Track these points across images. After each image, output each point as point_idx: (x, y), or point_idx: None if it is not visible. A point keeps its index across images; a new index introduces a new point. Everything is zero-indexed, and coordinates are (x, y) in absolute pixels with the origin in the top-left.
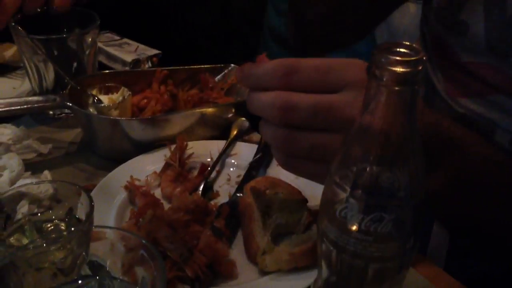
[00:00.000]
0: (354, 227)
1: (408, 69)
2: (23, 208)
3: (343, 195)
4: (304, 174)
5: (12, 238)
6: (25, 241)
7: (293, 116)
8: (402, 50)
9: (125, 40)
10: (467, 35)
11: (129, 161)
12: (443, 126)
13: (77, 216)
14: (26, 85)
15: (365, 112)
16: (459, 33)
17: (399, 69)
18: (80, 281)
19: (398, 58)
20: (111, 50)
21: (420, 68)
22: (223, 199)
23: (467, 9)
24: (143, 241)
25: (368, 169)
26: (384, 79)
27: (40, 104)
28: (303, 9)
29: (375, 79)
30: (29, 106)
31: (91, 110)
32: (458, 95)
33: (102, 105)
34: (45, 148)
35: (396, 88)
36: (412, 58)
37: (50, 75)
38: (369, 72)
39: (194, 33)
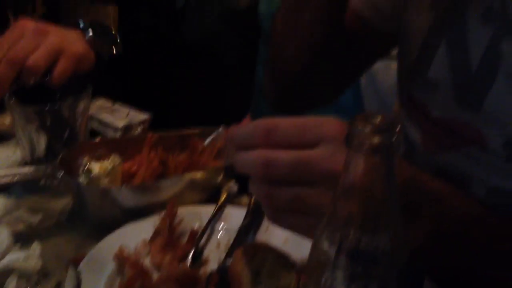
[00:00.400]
0: None
1: (383, 139)
2: (11, 284)
3: (327, 262)
4: (288, 227)
5: None
6: None
7: (274, 171)
8: (378, 120)
9: (117, 106)
10: (436, 92)
11: (119, 230)
12: (420, 181)
13: None
14: (17, 155)
15: (345, 179)
16: (429, 90)
17: (375, 139)
18: None
19: (374, 128)
20: (102, 116)
21: (395, 138)
22: (213, 265)
23: (435, 66)
24: None
25: (351, 234)
26: (361, 149)
27: (31, 175)
28: (278, 67)
29: (353, 148)
30: (20, 177)
31: (82, 178)
32: (434, 148)
33: (93, 173)
34: (35, 218)
35: (373, 157)
36: (387, 128)
37: (41, 144)
38: (347, 141)
39: (185, 93)
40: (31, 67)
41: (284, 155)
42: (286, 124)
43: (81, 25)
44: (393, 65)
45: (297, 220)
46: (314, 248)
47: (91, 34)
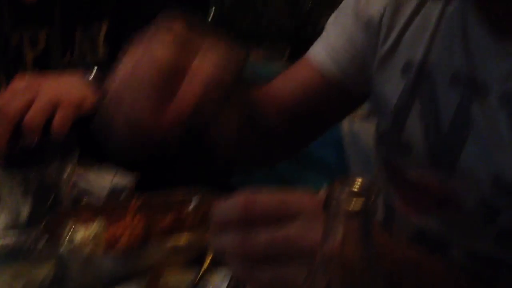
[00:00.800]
0: None
1: (360, 203)
2: None
3: None
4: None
5: None
6: None
7: (251, 251)
8: (354, 185)
9: (102, 167)
10: (411, 154)
11: None
12: (397, 253)
13: None
14: (2, 218)
15: (324, 243)
16: (404, 154)
17: (352, 203)
18: None
19: (351, 192)
20: (88, 179)
21: (372, 201)
22: None
23: (408, 130)
24: None
25: None
26: (339, 213)
27: (15, 240)
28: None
29: (331, 212)
30: (5, 244)
31: (64, 246)
32: (412, 211)
33: (76, 241)
34: (17, 285)
35: (350, 221)
36: (364, 192)
37: (26, 209)
38: (325, 205)
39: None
40: (28, 124)
41: (260, 236)
42: (264, 200)
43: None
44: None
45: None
46: None
47: (93, 73)
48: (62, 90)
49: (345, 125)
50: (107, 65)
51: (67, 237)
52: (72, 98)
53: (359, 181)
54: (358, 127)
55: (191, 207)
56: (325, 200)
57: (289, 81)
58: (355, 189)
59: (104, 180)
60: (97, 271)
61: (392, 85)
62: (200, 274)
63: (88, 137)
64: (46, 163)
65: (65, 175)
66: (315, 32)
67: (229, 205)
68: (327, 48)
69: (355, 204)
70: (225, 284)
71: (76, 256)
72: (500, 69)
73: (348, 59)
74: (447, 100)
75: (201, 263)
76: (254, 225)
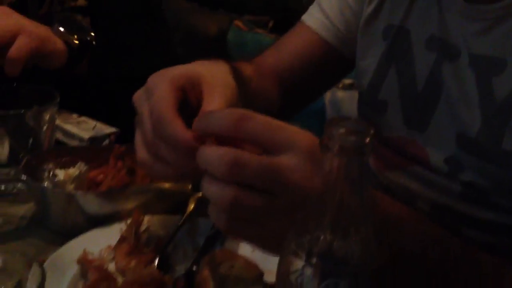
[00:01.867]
0: None
1: (356, 141)
2: None
3: (298, 263)
4: (244, 238)
5: None
6: None
7: (240, 173)
8: (351, 124)
9: (83, 118)
10: (386, 112)
11: (83, 235)
12: (380, 206)
13: None
14: None
15: (318, 180)
16: (380, 111)
17: (348, 140)
18: None
19: (347, 130)
20: (68, 127)
21: (368, 140)
22: (179, 273)
23: (385, 89)
24: None
25: (322, 237)
26: (335, 150)
27: None
28: None
29: (327, 150)
30: None
31: (46, 183)
32: (381, 167)
33: (57, 179)
34: None
35: (346, 158)
36: (360, 131)
37: (4, 150)
38: (321, 143)
39: None
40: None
41: (253, 158)
42: (260, 119)
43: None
44: (357, 95)
45: (255, 231)
46: (284, 250)
47: (59, 27)
48: (27, 24)
49: (327, 94)
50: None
51: (48, 176)
52: (36, 31)
53: (355, 119)
54: (341, 96)
55: None
56: (322, 138)
57: (285, 48)
58: (352, 126)
59: (85, 128)
60: (79, 210)
61: (373, 48)
62: (183, 219)
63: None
64: (25, 107)
65: (45, 119)
66: (299, 5)
67: (223, 114)
68: (322, 13)
69: (352, 139)
70: (209, 228)
71: (58, 193)
72: (470, 31)
73: (342, 22)
74: (422, 62)
75: (185, 209)
76: (242, 145)
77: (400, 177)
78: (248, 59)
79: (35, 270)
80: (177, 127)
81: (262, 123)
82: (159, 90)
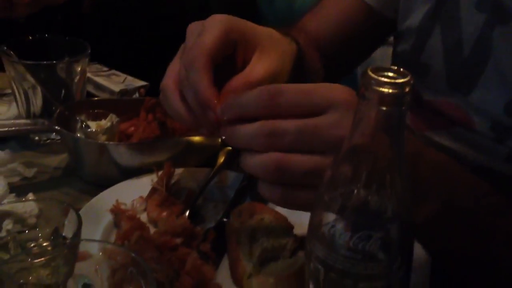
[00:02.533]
0: (343, 246)
1: (395, 90)
2: (7, 226)
3: (331, 215)
4: (300, 206)
5: None
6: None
7: (279, 141)
8: (390, 73)
9: (113, 71)
10: (429, 75)
11: (115, 186)
12: (429, 154)
13: (63, 235)
14: (12, 111)
15: (354, 133)
16: (421, 74)
17: (386, 90)
18: None
19: (386, 79)
20: (99, 80)
21: (407, 90)
22: (209, 224)
23: (427, 51)
24: (134, 256)
25: (356, 190)
26: (372, 100)
27: (28, 127)
28: None
29: (364, 100)
30: (17, 128)
31: (79, 134)
32: (423, 128)
33: (90, 130)
34: (29, 172)
35: (384, 109)
36: (400, 80)
37: (38, 101)
38: (358, 93)
39: None
40: None
41: (289, 123)
42: (291, 89)
43: None
44: (390, 51)
45: (309, 196)
46: (317, 201)
47: None
48: None
49: None
50: None
51: (81, 127)
52: None
53: (393, 69)
54: (373, 54)
55: None
56: (360, 87)
57: (325, 15)
58: (392, 75)
59: (116, 81)
60: (111, 160)
61: (417, 7)
62: (213, 172)
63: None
64: (57, 58)
65: (76, 71)
66: None
67: (252, 95)
68: None
69: (390, 90)
70: (239, 182)
71: (91, 144)
72: None
73: None
74: (470, 23)
75: (214, 163)
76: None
77: (441, 137)
78: (290, 25)
79: (71, 217)
80: (202, 78)
81: (294, 92)
82: (209, 33)
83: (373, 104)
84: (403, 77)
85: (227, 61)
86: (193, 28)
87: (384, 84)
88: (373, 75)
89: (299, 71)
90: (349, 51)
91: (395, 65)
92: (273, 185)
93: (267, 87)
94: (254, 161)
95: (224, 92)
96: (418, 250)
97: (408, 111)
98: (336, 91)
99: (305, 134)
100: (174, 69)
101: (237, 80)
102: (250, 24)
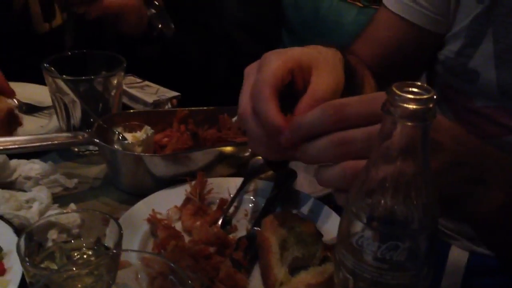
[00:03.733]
0: (370, 256)
1: (419, 106)
2: (53, 236)
3: (359, 225)
4: None
5: (42, 265)
6: (54, 267)
7: (350, 149)
8: (414, 89)
9: (146, 82)
10: (478, 82)
11: (151, 196)
12: (490, 148)
13: (105, 244)
14: (52, 124)
15: (380, 146)
16: (469, 80)
17: (411, 106)
18: None
19: (410, 96)
20: (133, 91)
21: (431, 105)
22: (241, 233)
23: (477, 58)
24: (172, 266)
25: (383, 201)
26: (397, 115)
27: (69, 140)
28: None
29: (389, 115)
30: (59, 142)
31: (116, 147)
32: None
33: (127, 142)
34: (71, 183)
35: (409, 124)
36: (424, 96)
37: (77, 114)
38: (383, 108)
39: (211, 75)
40: None
41: (357, 132)
42: (353, 100)
43: None
44: None
45: None
46: (345, 212)
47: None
48: None
49: None
50: None
51: (118, 140)
52: None
53: (418, 84)
54: None
55: (234, 119)
56: (383, 103)
57: (374, 40)
58: (414, 92)
59: (149, 93)
60: (147, 171)
61: (464, 13)
62: (243, 181)
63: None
64: (94, 73)
65: (113, 84)
66: None
67: (318, 112)
68: None
69: (414, 106)
70: (269, 191)
71: (128, 156)
72: None
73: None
74: None
75: (244, 173)
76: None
77: (493, 146)
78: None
79: (112, 227)
80: (270, 107)
81: (357, 102)
82: (268, 67)
83: (398, 120)
84: (427, 93)
85: (289, 91)
86: (249, 69)
87: (408, 100)
88: (397, 91)
89: (350, 80)
90: (399, 73)
91: (434, 72)
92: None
93: (329, 102)
94: (332, 172)
95: (296, 111)
96: (453, 254)
97: (431, 125)
98: None
99: (374, 139)
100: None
101: (305, 101)
102: (300, 50)
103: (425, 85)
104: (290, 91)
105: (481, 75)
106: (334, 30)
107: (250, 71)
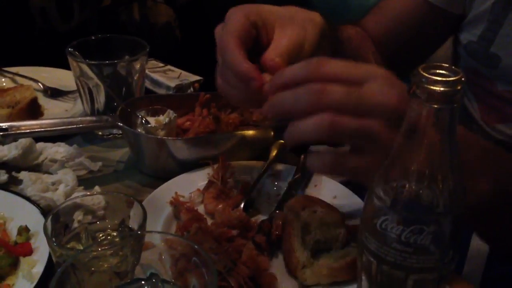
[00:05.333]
0: (394, 239)
1: (447, 88)
2: (79, 217)
3: (384, 209)
4: (349, 173)
5: (68, 245)
6: (80, 247)
7: (327, 99)
8: (441, 71)
9: (169, 67)
10: (499, 66)
11: (174, 179)
12: (483, 141)
13: (129, 226)
14: (77, 108)
15: (406, 129)
16: (491, 65)
17: (438, 88)
18: (135, 284)
19: (437, 78)
20: (156, 76)
21: (459, 87)
22: (263, 216)
23: (498, 43)
24: (196, 247)
25: (408, 184)
26: (424, 98)
27: (93, 124)
28: None
29: (416, 98)
30: (84, 125)
31: (139, 130)
32: (494, 121)
33: (150, 125)
34: (95, 166)
35: (436, 106)
36: (451, 78)
37: (101, 98)
38: (410, 91)
39: None
40: None
41: (336, 86)
42: (336, 60)
43: None
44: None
45: (360, 160)
46: (369, 195)
47: None
48: None
49: None
50: None
51: (141, 123)
52: None
53: (444, 66)
54: None
55: None
56: (410, 86)
57: (386, 13)
58: (441, 74)
59: (171, 77)
60: (170, 154)
61: None
62: (266, 165)
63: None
64: (118, 57)
65: (136, 69)
66: None
67: (301, 65)
68: None
69: (441, 89)
70: (291, 174)
71: (151, 139)
72: None
73: None
74: None
75: (267, 157)
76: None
77: None
78: (352, 22)
79: (136, 210)
80: (236, 56)
81: (339, 63)
82: (230, 21)
83: (425, 102)
84: (455, 75)
85: (254, 47)
86: (217, 27)
87: (435, 82)
88: (424, 73)
89: (334, 46)
90: (410, 51)
91: (457, 56)
92: (322, 153)
93: (313, 58)
94: (307, 123)
95: (262, 65)
96: (475, 241)
97: (459, 107)
98: (376, 68)
99: (352, 95)
100: (218, 67)
101: (268, 54)
102: (266, 7)
103: (452, 67)
104: (257, 51)
105: (503, 59)
106: (358, 13)
107: (218, 29)
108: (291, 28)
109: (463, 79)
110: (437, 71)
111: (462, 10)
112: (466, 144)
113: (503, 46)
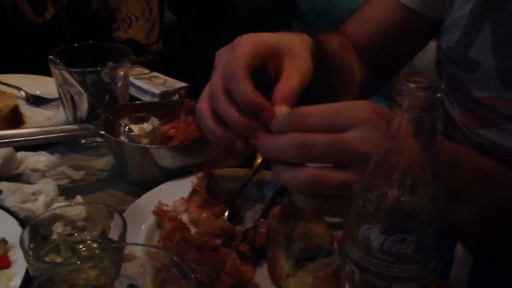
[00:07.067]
0: (377, 248)
1: (427, 96)
2: (58, 229)
3: (366, 218)
4: (333, 214)
5: (47, 258)
6: (59, 260)
7: (310, 153)
8: (421, 79)
9: (154, 73)
10: (478, 71)
11: (158, 187)
12: (467, 158)
13: (109, 237)
14: (60, 115)
15: (387, 137)
16: (470, 70)
17: (418, 96)
18: None
19: (417, 86)
20: (140, 83)
21: (438, 95)
22: (248, 224)
23: (476, 47)
24: (175, 259)
25: (390, 193)
26: (405, 105)
27: (75, 132)
28: None
29: (397, 106)
30: (65, 134)
31: (122, 138)
32: (475, 126)
33: (133, 133)
34: (77, 175)
35: (416, 114)
36: (431, 86)
37: (84, 106)
38: (391, 99)
39: None
40: None
41: (319, 137)
42: (316, 110)
43: None
44: (431, 45)
45: (343, 204)
46: (352, 204)
47: None
48: None
49: None
50: None
51: (124, 131)
52: None
53: (425, 74)
54: None
55: None
56: (391, 94)
57: (366, 18)
58: (421, 83)
59: (156, 84)
60: (153, 163)
61: (463, 1)
62: (251, 173)
63: None
64: (101, 64)
65: (119, 76)
66: None
67: (281, 120)
68: None
69: (421, 96)
70: (275, 182)
71: (134, 147)
72: None
73: None
74: None
75: (252, 164)
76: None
77: (494, 134)
78: (334, 29)
79: (117, 220)
80: (245, 83)
81: (320, 114)
82: (241, 49)
83: (405, 110)
84: (434, 83)
85: (260, 76)
86: (222, 51)
87: (415, 90)
88: (404, 81)
89: (321, 66)
90: (390, 55)
91: (440, 61)
92: (307, 197)
93: (293, 111)
94: (288, 175)
95: (275, 99)
96: (460, 248)
97: (440, 115)
98: (358, 109)
99: (334, 147)
100: (207, 92)
101: (282, 88)
102: (273, 37)
103: (433, 74)
104: (261, 80)
105: (481, 64)
106: (346, 18)
107: (222, 53)
108: (299, 60)
109: (442, 86)
110: (418, 79)
111: (441, 15)
112: (454, 163)
113: (481, 51)
